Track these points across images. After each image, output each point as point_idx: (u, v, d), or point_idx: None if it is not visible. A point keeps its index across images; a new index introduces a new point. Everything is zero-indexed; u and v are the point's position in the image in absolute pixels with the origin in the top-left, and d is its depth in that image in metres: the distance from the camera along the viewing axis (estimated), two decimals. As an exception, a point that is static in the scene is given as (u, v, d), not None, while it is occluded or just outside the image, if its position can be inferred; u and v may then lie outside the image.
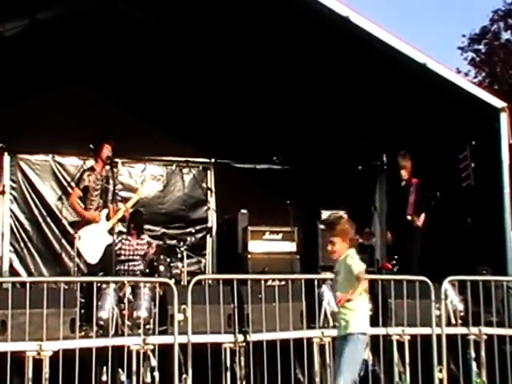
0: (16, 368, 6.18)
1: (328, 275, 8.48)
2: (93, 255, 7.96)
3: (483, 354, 7.48)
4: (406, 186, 8.94)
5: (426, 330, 7.40)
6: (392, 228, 9.17)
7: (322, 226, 9.62)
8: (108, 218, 8.13)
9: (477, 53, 23.27)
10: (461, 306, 7.89)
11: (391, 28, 8.52)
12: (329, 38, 8.65)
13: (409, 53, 8.51)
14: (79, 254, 8.12)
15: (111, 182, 8.26)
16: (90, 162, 9.31)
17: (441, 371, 7.28)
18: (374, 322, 7.42)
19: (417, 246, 8.77)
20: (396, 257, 8.94)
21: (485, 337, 7.52)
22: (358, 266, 5.47)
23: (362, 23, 8.28)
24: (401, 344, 7.37)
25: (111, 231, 8.12)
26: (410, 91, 9.06)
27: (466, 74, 22.19)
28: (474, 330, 7.55)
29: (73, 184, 9.57)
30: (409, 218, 8.72)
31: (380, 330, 7.36)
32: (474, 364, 7.47)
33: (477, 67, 23.16)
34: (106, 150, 8.20)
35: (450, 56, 27.59)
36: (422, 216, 8.80)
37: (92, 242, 8.00)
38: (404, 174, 8.97)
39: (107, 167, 8.26)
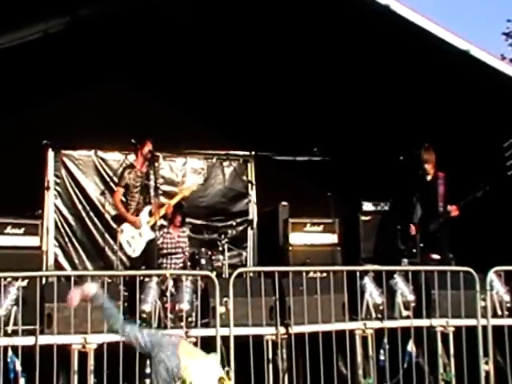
0: (62, 360, 6.31)
1: (370, 267, 8.45)
2: (134, 249, 8.06)
3: (531, 345, 7.34)
4: (433, 179, 8.77)
5: (471, 322, 7.28)
6: (422, 220, 8.96)
7: (363, 218, 9.56)
8: (151, 213, 8.19)
9: (522, 38, 22.77)
10: (507, 297, 7.75)
11: (433, 14, 8.40)
12: (369, 27, 8.55)
13: (451, 40, 8.36)
14: (121, 247, 8.22)
15: (152, 177, 8.32)
16: (132, 157, 9.41)
17: (487, 363, 7.16)
18: (417, 314, 7.36)
19: (447, 235, 8.60)
20: (422, 245, 8.74)
21: (533, 327, 7.38)
22: None
23: (402, 11, 8.17)
24: (445, 336, 7.28)
25: (153, 227, 8.20)
26: (452, 79, 8.89)
27: (511, 61, 21.70)
28: (522, 321, 7.41)
29: (113, 184, 9.70)
30: (449, 208, 8.55)
31: (424, 322, 7.28)
32: (521, 356, 7.33)
33: (522, 53, 22.64)
34: (147, 147, 8.28)
35: (495, 42, 27.01)
36: (455, 207, 8.57)
37: (134, 236, 8.09)
38: (428, 167, 8.78)
39: (147, 163, 8.33)
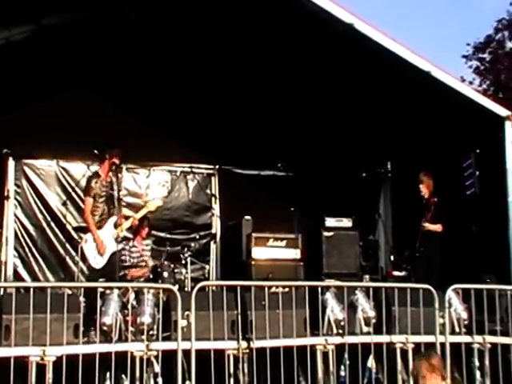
0: (19, 373, 6.18)
1: (332, 282, 8.51)
2: (98, 261, 7.94)
3: (487, 362, 7.45)
4: (426, 204, 8.98)
5: (429, 338, 7.36)
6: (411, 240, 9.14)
7: (326, 233, 9.63)
8: (116, 225, 8.07)
9: (481, 61, 23.29)
10: (465, 315, 7.85)
11: (396, 36, 8.55)
12: (333, 45, 8.65)
13: (413, 61, 8.50)
14: (84, 258, 8.07)
15: (115, 187, 8.21)
16: (94, 167, 9.32)
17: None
18: (377, 330, 7.43)
19: (436, 255, 8.77)
20: (409, 267, 8.90)
21: (489, 345, 7.49)
22: None
23: (366, 30, 8.28)
24: (404, 352, 7.35)
25: (117, 239, 8.09)
26: (414, 99, 9.06)
27: (471, 83, 22.22)
28: (478, 338, 7.52)
29: (75, 194, 9.56)
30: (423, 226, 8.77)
31: (384, 338, 7.33)
32: (477, 373, 7.43)
33: (481, 75, 23.18)
34: (115, 158, 8.16)
35: (455, 64, 27.62)
36: (438, 225, 8.80)
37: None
38: (423, 190, 9.00)
39: (111, 173, 8.23)
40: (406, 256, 9.13)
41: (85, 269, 8.73)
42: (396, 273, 8.75)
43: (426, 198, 9.06)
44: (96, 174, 8.24)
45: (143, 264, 8.93)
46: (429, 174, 9.11)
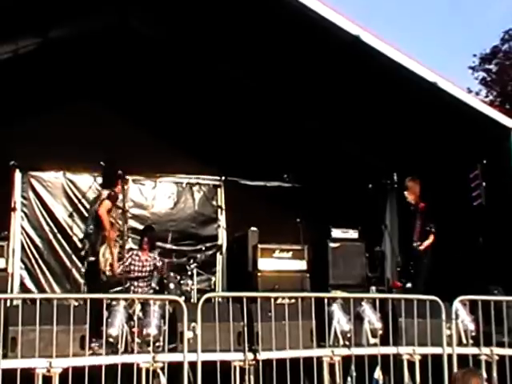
0: (26, 385, 6.18)
1: (338, 294, 8.48)
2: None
3: (495, 374, 7.40)
4: (414, 211, 8.95)
5: (436, 350, 7.33)
6: (401, 250, 9.15)
7: (332, 244, 9.61)
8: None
9: (488, 72, 23.30)
10: (472, 326, 7.82)
11: (402, 47, 8.57)
12: (340, 57, 8.68)
13: (419, 72, 8.52)
14: (112, 265, 8.06)
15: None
16: (101, 179, 9.32)
17: (452, 391, 7.19)
18: (384, 341, 7.40)
19: (423, 268, 8.75)
20: (403, 280, 8.90)
21: (496, 357, 7.44)
22: None
23: (372, 42, 8.31)
24: (411, 363, 7.31)
25: None
26: (420, 110, 9.06)
27: (477, 94, 22.23)
28: (486, 350, 7.47)
29: (84, 203, 9.63)
30: (414, 244, 8.75)
31: (390, 349, 7.30)
32: (485, 385, 7.38)
33: (488, 86, 23.18)
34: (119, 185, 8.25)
35: (461, 75, 27.63)
36: (427, 241, 8.80)
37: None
38: (409, 196, 8.96)
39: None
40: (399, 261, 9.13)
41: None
42: (399, 283, 8.75)
43: (413, 205, 9.03)
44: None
45: (146, 275, 8.93)
46: (415, 179, 9.07)
